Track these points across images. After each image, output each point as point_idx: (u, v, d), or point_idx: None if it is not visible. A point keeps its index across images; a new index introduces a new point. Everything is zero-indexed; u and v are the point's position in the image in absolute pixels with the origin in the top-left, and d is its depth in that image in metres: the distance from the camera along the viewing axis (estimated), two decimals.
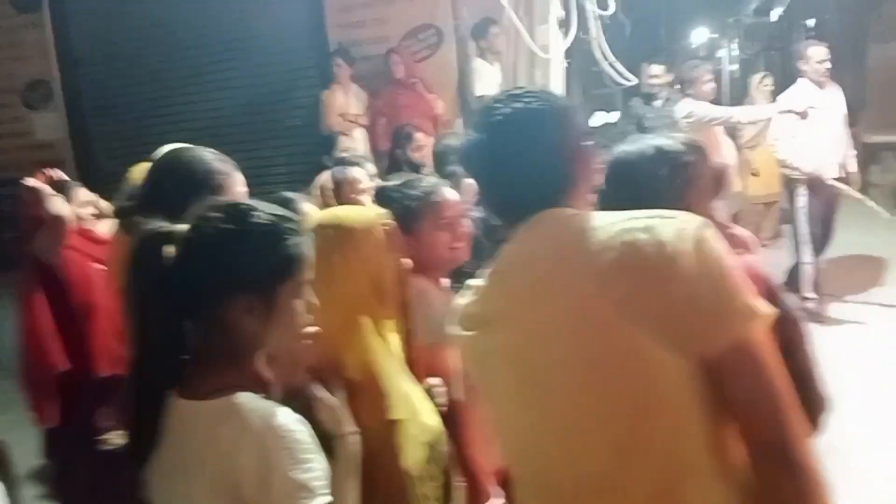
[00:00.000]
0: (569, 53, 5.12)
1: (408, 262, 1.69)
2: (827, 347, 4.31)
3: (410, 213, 1.89)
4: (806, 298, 5.04)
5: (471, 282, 1.30)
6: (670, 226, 1.09)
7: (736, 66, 14.56)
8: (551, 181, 1.20)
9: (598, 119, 7.00)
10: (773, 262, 6.04)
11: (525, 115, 1.20)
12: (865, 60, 8.63)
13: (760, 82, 6.84)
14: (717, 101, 5.79)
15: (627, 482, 1.11)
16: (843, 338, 4.57)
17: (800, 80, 4.91)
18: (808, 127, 4.80)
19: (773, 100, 6.34)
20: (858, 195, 5.56)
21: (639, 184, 1.46)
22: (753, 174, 6.51)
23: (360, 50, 5.62)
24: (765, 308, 1.09)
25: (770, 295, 1.45)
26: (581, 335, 1.12)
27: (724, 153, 5.15)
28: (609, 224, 1.13)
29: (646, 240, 1.08)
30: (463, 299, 1.29)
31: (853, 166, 5.03)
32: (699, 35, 14.21)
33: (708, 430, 1.09)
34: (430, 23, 5.55)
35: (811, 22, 11.36)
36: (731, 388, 1.07)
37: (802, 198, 4.90)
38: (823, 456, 1.09)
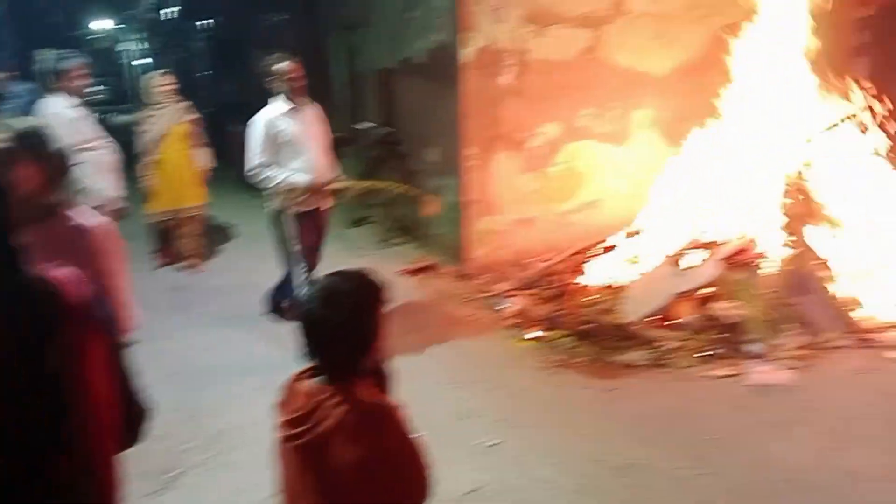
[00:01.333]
0: None
1: None
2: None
3: None
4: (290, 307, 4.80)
5: None
6: None
7: (149, 60, 14.71)
8: None
9: None
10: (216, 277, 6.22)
11: None
12: (249, 62, 9.65)
13: (158, 81, 6.38)
14: (122, 96, 5.46)
15: None
16: None
17: (276, 98, 4.67)
18: (289, 146, 4.63)
19: (174, 98, 6.25)
20: (380, 184, 5.84)
21: None
22: (148, 197, 6.27)
23: None
24: None
25: (84, 311, 1.30)
26: None
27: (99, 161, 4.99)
28: None
29: None
30: None
31: (333, 175, 4.92)
32: (100, 25, 13.92)
33: None
34: None
35: (205, 23, 12.19)
36: None
37: (292, 217, 4.69)
38: None
